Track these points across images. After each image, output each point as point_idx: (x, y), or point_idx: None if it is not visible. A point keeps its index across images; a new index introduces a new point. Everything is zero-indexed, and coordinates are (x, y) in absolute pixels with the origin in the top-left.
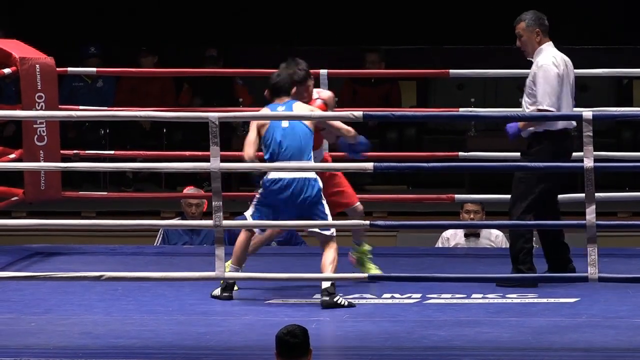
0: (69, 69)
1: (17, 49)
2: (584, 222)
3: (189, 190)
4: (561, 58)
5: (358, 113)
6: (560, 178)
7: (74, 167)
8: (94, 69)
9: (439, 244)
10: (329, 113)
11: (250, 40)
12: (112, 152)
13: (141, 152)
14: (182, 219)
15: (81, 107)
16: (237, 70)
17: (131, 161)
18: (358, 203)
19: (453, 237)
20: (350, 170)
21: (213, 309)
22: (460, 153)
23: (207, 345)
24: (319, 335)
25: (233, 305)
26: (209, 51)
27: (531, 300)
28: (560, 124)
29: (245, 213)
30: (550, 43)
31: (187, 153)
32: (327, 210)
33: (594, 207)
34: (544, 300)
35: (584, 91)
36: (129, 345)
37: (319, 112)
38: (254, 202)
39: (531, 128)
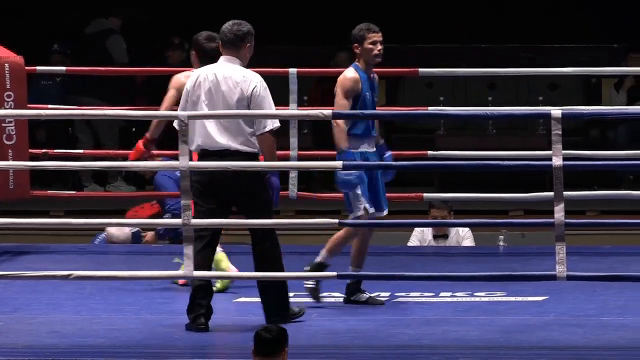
0: (38, 67)
1: None
2: (552, 220)
3: None
4: None
5: (327, 112)
6: None
7: (42, 166)
8: (64, 68)
9: (413, 238)
10: (296, 111)
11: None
12: (81, 151)
13: (110, 151)
14: None
15: (50, 106)
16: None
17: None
18: None
19: (421, 234)
20: (320, 168)
21: (181, 307)
22: (429, 152)
23: (176, 345)
24: (288, 333)
25: None
26: (174, 38)
27: (499, 299)
28: None
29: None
30: None
31: (156, 152)
32: None
33: (562, 205)
34: (512, 298)
35: (553, 90)
36: (97, 344)
37: (286, 111)
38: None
39: None
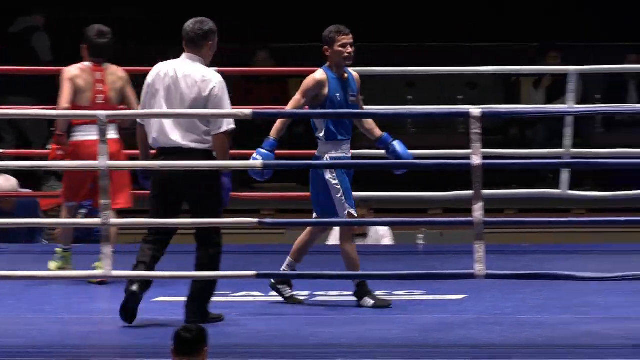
0: None
1: None
2: (471, 219)
3: None
4: None
5: (247, 111)
6: None
7: None
8: None
9: (332, 237)
10: (216, 110)
11: (137, 38)
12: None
13: (28, 151)
14: None
15: None
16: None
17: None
18: None
19: None
20: (240, 168)
21: (99, 307)
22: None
23: (94, 344)
24: (208, 332)
25: (119, 304)
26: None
27: (419, 297)
28: None
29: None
30: None
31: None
32: None
33: (481, 204)
34: (431, 297)
35: (473, 89)
36: (16, 344)
37: (205, 111)
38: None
39: None
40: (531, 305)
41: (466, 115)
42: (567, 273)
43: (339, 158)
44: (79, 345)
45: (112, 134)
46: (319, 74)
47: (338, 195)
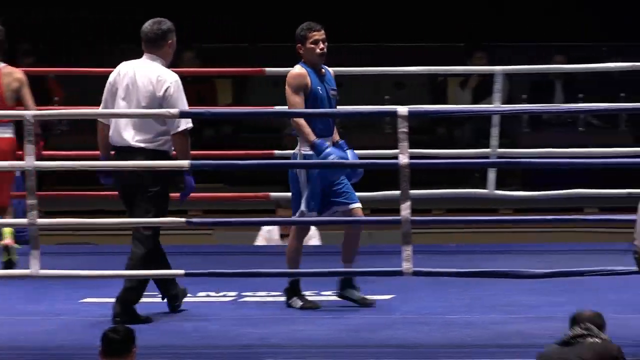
0: None
1: None
2: (398, 217)
3: None
4: None
5: (175, 110)
6: None
7: None
8: None
9: (260, 238)
10: (142, 110)
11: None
12: None
13: None
14: None
15: None
16: (51, 69)
17: None
18: None
19: (268, 233)
20: (166, 168)
21: (27, 308)
22: (276, 151)
23: (22, 346)
24: (136, 333)
25: (48, 305)
26: (23, 45)
27: None
28: None
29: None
30: None
31: None
32: None
33: (408, 203)
34: None
35: (400, 88)
36: None
37: (131, 110)
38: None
39: None
40: (460, 305)
41: (393, 114)
42: (494, 270)
43: (312, 155)
44: (6, 347)
45: (8, 133)
46: (298, 68)
47: (304, 192)
